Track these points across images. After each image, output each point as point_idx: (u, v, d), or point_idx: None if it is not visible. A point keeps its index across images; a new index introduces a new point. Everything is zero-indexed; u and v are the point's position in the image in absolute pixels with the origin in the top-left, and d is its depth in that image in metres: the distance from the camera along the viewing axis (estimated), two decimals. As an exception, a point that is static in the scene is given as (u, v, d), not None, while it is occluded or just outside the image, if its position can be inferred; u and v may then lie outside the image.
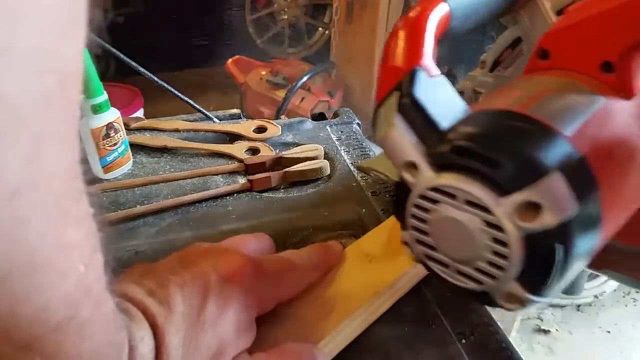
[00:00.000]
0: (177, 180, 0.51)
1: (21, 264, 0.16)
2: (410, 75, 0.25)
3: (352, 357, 0.32)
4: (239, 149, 0.56)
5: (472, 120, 0.24)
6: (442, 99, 0.25)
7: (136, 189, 0.50)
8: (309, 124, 0.63)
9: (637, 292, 1.48)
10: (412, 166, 0.25)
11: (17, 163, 0.15)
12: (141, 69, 0.59)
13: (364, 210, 0.47)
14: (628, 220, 0.25)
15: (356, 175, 0.52)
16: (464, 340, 0.34)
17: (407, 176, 0.25)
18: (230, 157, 0.55)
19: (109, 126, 0.49)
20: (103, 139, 0.49)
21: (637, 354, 1.34)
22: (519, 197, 0.21)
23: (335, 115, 0.67)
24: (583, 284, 1.40)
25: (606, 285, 1.44)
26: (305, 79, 1.85)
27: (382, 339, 0.34)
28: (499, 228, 0.22)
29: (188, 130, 0.60)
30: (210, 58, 2.46)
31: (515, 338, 1.35)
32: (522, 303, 0.23)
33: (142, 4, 2.36)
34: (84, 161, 0.18)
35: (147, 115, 0.69)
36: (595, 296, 1.43)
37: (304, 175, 0.51)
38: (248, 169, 0.52)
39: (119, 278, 0.27)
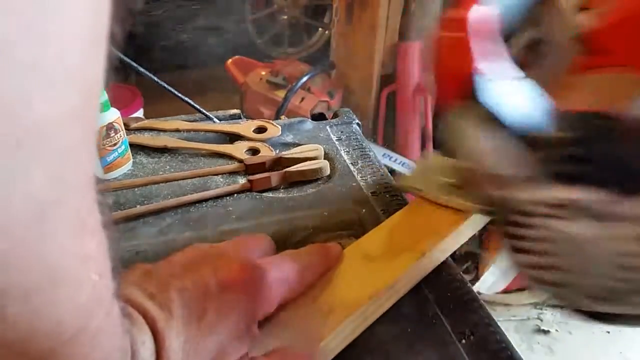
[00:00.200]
0: (177, 180, 0.51)
1: (43, 279, 0.16)
2: (482, 81, 0.22)
3: (352, 357, 0.32)
4: (239, 149, 0.56)
5: (570, 124, 0.21)
6: (524, 103, 0.22)
7: (136, 189, 0.50)
8: (309, 124, 0.63)
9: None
10: (514, 181, 0.21)
11: (44, 181, 0.15)
12: (141, 69, 0.58)
13: (364, 210, 0.47)
14: None
15: (356, 175, 0.53)
16: (464, 340, 0.34)
17: (510, 193, 0.21)
18: (230, 157, 0.55)
19: (109, 126, 0.50)
20: (103, 139, 0.49)
21: (637, 354, 1.34)
22: None
23: (335, 115, 0.67)
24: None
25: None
26: (305, 79, 1.85)
27: (382, 339, 0.34)
28: None
29: (188, 131, 0.60)
30: (210, 58, 2.45)
31: (515, 338, 1.35)
32: None
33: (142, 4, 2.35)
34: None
35: (147, 116, 0.69)
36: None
37: (304, 176, 0.51)
38: (248, 169, 0.52)
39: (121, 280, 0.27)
